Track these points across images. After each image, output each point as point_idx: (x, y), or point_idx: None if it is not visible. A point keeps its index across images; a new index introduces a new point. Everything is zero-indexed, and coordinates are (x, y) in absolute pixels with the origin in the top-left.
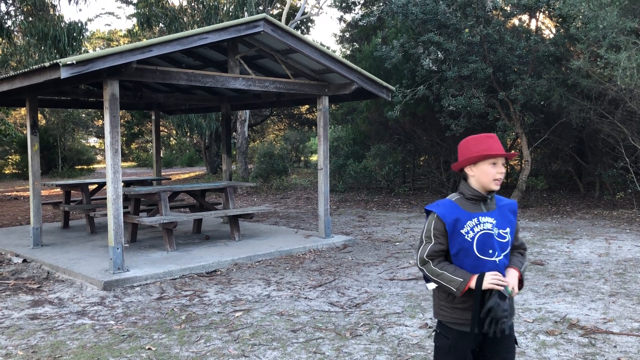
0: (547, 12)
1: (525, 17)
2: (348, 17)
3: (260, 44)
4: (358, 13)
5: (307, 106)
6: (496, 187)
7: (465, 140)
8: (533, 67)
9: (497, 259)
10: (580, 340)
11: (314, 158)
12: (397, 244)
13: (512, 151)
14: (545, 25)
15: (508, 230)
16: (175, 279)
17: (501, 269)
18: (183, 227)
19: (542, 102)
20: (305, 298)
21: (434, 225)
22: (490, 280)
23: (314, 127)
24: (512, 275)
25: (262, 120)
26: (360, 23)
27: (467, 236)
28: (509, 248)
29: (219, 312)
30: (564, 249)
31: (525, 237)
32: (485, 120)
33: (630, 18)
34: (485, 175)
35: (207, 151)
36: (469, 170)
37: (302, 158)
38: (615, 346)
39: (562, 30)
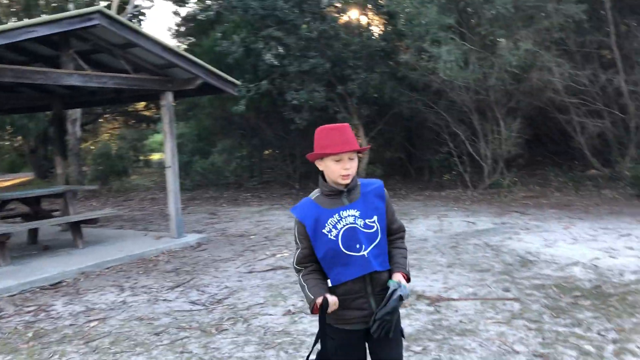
0: (375, 9)
1: (356, 14)
2: (183, 11)
3: (96, 38)
4: (193, 7)
5: (144, 103)
6: (344, 182)
7: (318, 130)
8: (367, 61)
9: (365, 253)
10: (427, 309)
11: (155, 157)
12: (251, 237)
13: (364, 145)
14: (375, 22)
15: (375, 218)
16: (14, 295)
17: (372, 262)
18: (16, 238)
19: (375, 95)
20: (164, 300)
21: (297, 230)
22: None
23: (152, 124)
24: (401, 280)
25: (94, 118)
26: (199, 17)
27: (331, 235)
28: (378, 237)
29: (71, 325)
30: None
31: None
32: (326, 113)
33: (448, 15)
34: (331, 171)
35: (33, 155)
36: (318, 165)
37: (141, 157)
38: (456, 310)
39: (390, 26)
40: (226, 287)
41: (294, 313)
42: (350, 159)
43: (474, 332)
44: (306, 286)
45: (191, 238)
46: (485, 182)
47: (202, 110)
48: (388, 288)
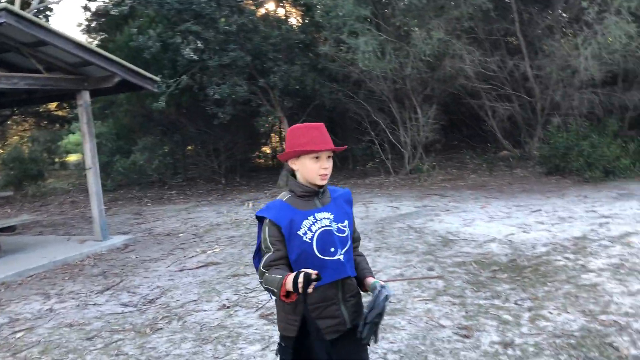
0: (292, 1)
1: (273, 7)
2: (93, 5)
3: (3, 37)
4: (104, 2)
5: (56, 103)
6: (322, 182)
7: (291, 130)
8: (287, 54)
9: (340, 257)
10: None
11: (71, 158)
12: (180, 235)
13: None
14: (293, 15)
15: (346, 222)
16: None
17: (345, 266)
18: None
19: (297, 87)
20: (94, 304)
21: (268, 232)
22: (302, 276)
23: (66, 125)
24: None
25: (2, 120)
26: (112, 12)
27: (306, 237)
28: (349, 242)
29: None
30: None
31: None
32: (249, 107)
33: (364, 6)
34: (309, 170)
35: None
36: (293, 164)
37: (57, 160)
38: None
39: (307, 18)
40: (158, 286)
41: (228, 307)
42: (328, 157)
43: (402, 311)
44: (271, 274)
45: (117, 240)
46: (406, 168)
47: (120, 108)
48: (359, 294)
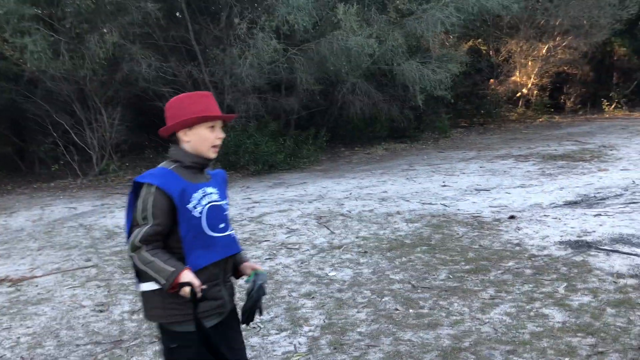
0: None
1: None
2: None
3: None
4: None
5: None
6: (213, 155)
7: (177, 99)
8: None
9: (230, 232)
10: (8, 290)
11: None
12: None
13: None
14: None
15: (226, 202)
16: None
17: (236, 242)
18: None
19: None
20: None
21: (153, 202)
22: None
23: None
24: (252, 265)
25: None
26: None
27: (195, 211)
28: (230, 221)
29: None
30: (1, 222)
31: None
32: None
33: (28, 6)
34: (203, 140)
35: None
36: (184, 135)
37: None
38: (37, 285)
39: None
40: None
41: None
42: (221, 128)
43: (49, 300)
44: (157, 260)
45: None
46: (95, 170)
47: None
48: (239, 276)
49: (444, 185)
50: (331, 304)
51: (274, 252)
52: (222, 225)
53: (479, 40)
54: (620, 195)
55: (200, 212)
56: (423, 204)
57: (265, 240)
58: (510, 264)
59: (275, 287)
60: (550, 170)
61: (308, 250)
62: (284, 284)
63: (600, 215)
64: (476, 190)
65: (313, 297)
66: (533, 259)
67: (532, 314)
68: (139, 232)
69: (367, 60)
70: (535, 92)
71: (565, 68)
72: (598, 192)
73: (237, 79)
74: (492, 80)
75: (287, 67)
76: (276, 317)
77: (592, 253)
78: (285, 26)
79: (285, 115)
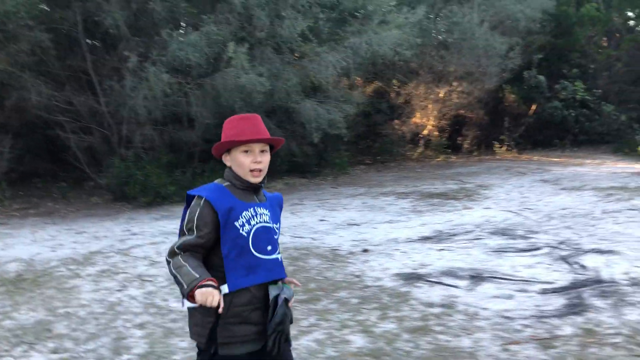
0: None
1: None
2: None
3: None
4: None
5: None
6: (254, 180)
7: (225, 122)
8: None
9: (277, 256)
10: None
11: None
12: None
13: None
14: None
15: (279, 225)
16: None
17: (282, 267)
18: None
19: None
20: None
21: (198, 214)
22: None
23: None
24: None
25: None
26: None
27: (242, 230)
28: (279, 245)
29: None
30: None
31: None
32: None
33: None
34: (240, 165)
35: None
36: (226, 160)
37: None
38: None
39: None
40: None
41: None
42: (262, 151)
43: None
44: (187, 265)
45: None
46: None
47: None
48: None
49: (322, 220)
50: (159, 333)
51: (127, 284)
52: (269, 248)
53: (381, 83)
54: (471, 231)
55: (248, 232)
56: (294, 237)
57: (124, 272)
58: (342, 294)
59: (112, 318)
60: (421, 207)
61: (162, 282)
62: (122, 314)
63: (443, 250)
64: (348, 224)
65: (144, 328)
66: (365, 289)
67: (337, 340)
68: (180, 240)
69: (260, 97)
70: (435, 133)
71: (462, 111)
72: (453, 229)
73: (132, 110)
74: (396, 120)
75: (185, 100)
76: (101, 346)
77: (419, 284)
78: (177, 61)
79: (188, 148)
